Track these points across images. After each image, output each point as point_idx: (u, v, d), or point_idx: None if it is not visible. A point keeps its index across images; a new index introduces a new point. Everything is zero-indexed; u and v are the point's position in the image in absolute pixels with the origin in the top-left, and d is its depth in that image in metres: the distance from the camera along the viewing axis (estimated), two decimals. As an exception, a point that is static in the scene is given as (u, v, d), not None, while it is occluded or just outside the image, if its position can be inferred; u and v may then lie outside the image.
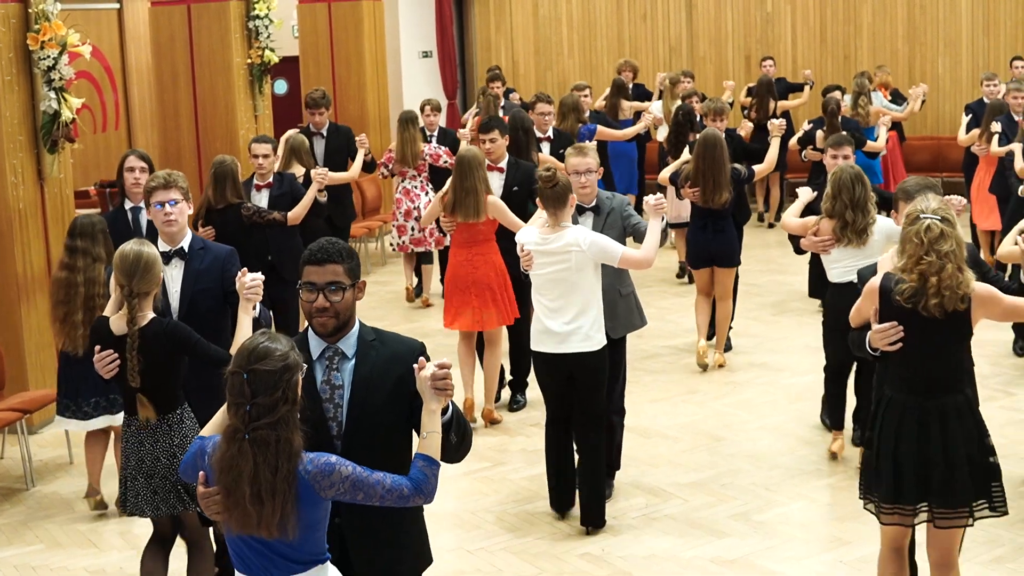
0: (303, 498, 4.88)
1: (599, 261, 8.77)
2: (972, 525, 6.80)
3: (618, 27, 24.43)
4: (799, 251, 10.25)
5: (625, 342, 9.68)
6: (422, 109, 15.99)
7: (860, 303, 6.90)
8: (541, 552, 8.75)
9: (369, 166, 14.88)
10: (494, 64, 23.13)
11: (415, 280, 16.27)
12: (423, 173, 15.53)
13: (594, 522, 8.99)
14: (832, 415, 10.31)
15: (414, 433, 5.31)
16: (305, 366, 5.03)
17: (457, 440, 5.30)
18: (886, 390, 6.80)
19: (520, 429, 11.18)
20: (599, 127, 15.87)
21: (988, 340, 12.40)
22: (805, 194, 10.18)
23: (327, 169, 12.84)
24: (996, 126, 14.83)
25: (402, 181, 15.68)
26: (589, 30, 24.60)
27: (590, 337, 8.80)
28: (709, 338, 13.01)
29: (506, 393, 11.98)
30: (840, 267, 9.61)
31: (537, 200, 9.01)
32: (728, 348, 13.32)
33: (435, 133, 15.97)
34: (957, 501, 6.63)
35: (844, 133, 11.84)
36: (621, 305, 9.43)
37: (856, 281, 7.34)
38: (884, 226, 9.45)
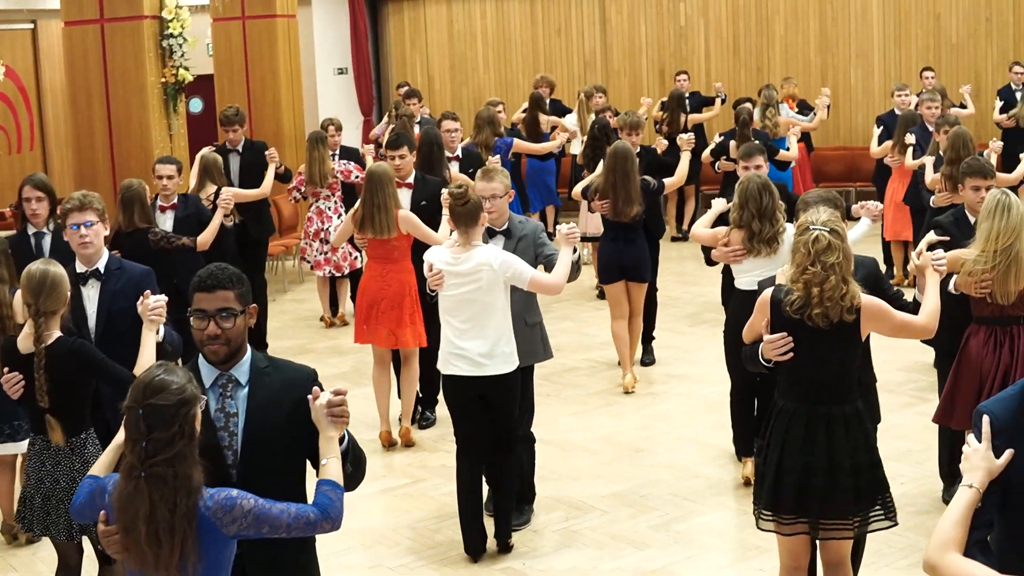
0: (205, 536, 4.74)
1: (509, 282, 8.63)
2: (851, 538, 6.85)
3: (533, 42, 24.50)
4: (710, 263, 10.16)
5: (533, 370, 9.51)
6: (325, 128, 15.92)
7: (752, 317, 6.94)
8: (461, 569, 8.74)
9: (283, 177, 14.81)
10: (407, 80, 23.15)
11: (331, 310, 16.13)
12: (336, 192, 15.49)
13: (502, 547, 8.92)
14: (740, 441, 10.15)
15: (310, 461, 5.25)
16: (204, 399, 4.91)
17: (352, 470, 5.23)
18: (777, 399, 6.84)
19: (439, 445, 11.15)
20: (515, 140, 15.90)
21: (905, 346, 12.52)
22: (718, 205, 10.11)
23: (231, 193, 12.82)
24: (911, 138, 14.95)
25: (315, 201, 15.63)
26: (504, 45, 24.65)
27: (502, 359, 8.68)
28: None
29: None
30: (750, 277, 9.43)
31: (447, 218, 8.95)
32: (649, 363, 13.39)
33: (336, 152, 15.88)
34: (837, 512, 6.66)
35: (756, 143, 11.84)
36: (526, 335, 9.17)
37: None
38: (792, 236, 9.37)
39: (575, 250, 8.85)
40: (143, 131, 16.72)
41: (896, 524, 6.86)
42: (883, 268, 15.33)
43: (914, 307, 7.27)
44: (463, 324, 8.69)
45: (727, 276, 10.26)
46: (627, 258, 12.49)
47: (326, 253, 15.38)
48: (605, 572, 8.57)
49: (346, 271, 15.53)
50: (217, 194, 12.62)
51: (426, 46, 25.08)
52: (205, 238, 11.77)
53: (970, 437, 4.46)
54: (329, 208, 15.51)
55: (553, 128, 18.84)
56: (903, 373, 12.50)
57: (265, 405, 5.19)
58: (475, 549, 8.85)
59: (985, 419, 4.43)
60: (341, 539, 9.09)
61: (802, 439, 6.65)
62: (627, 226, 12.37)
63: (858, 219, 9.51)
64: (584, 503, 9.74)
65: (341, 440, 5.12)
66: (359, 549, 9.07)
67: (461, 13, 24.82)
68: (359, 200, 11.08)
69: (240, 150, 14.76)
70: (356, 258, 15.29)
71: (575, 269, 8.88)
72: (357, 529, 9.30)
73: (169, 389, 4.73)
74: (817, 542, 6.96)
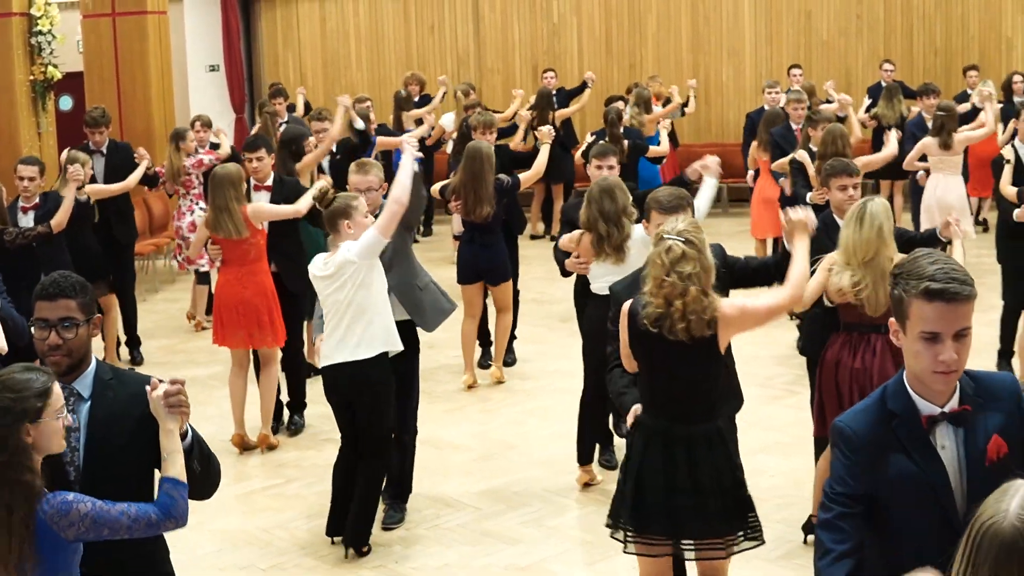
0: (43, 541, 4.63)
1: (371, 258, 8.52)
2: (727, 558, 6.73)
3: (406, 39, 24.45)
4: (565, 273, 10.07)
5: (418, 358, 9.43)
6: (192, 125, 15.75)
7: (621, 334, 6.72)
8: (334, 568, 8.70)
9: (151, 180, 14.65)
10: (279, 79, 23.05)
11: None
12: (192, 190, 15.27)
13: (357, 545, 8.82)
14: (582, 446, 10.02)
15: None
16: (71, 416, 4.81)
17: (201, 469, 5.07)
18: (641, 415, 6.64)
19: (312, 444, 11.09)
20: (379, 138, 15.85)
21: (775, 339, 12.66)
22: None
23: (93, 189, 12.78)
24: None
25: (179, 199, 15.48)
26: (377, 42, 24.58)
27: (375, 344, 8.61)
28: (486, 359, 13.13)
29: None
30: (603, 282, 9.17)
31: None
32: (511, 363, 13.41)
33: (206, 147, 15.71)
34: (710, 532, 6.51)
35: (609, 143, 11.88)
36: (425, 298, 9.20)
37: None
38: (639, 236, 9.12)
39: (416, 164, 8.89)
40: (11, 130, 16.50)
41: (763, 543, 6.74)
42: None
43: (776, 264, 7.32)
44: (342, 322, 8.60)
45: (580, 279, 10.22)
46: (483, 260, 12.43)
47: (185, 251, 15.17)
48: (477, 569, 8.58)
49: (201, 269, 15.32)
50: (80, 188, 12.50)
51: (299, 43, 24.95)
52: (59, 219, 11.72)
53: (834, 451, 4.39)
54: (184, 205, 15.37)
55: (417, 123, 18.80)
56: (773, 367, 12.61)
57: (108, 419, 5.05)
58: (335, 526, 8.90)
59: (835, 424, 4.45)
60: (212, 540, 9.06)
61: (662, 459, 6.48)
62: (482, 227, 12.28)
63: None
64: (456, 500, 9.74)
65: (184, 435, 4.99)
66: (230, 550, 8.99)
67: (334, 10, 24.71)
68: (208, 203, 11.01)
69: (104, 152, 14.56)
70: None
71: (417, 183, 8.86)
72: (228, 530, 9.24)
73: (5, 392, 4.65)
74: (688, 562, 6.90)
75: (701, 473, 6.44)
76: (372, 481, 8.86)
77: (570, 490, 9.86)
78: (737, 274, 7.59)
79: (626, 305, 6.60)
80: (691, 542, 6.54)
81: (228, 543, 9.09)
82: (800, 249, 7.08)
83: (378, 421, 8.77)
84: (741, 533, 6.57)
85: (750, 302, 6.60)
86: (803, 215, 7.20)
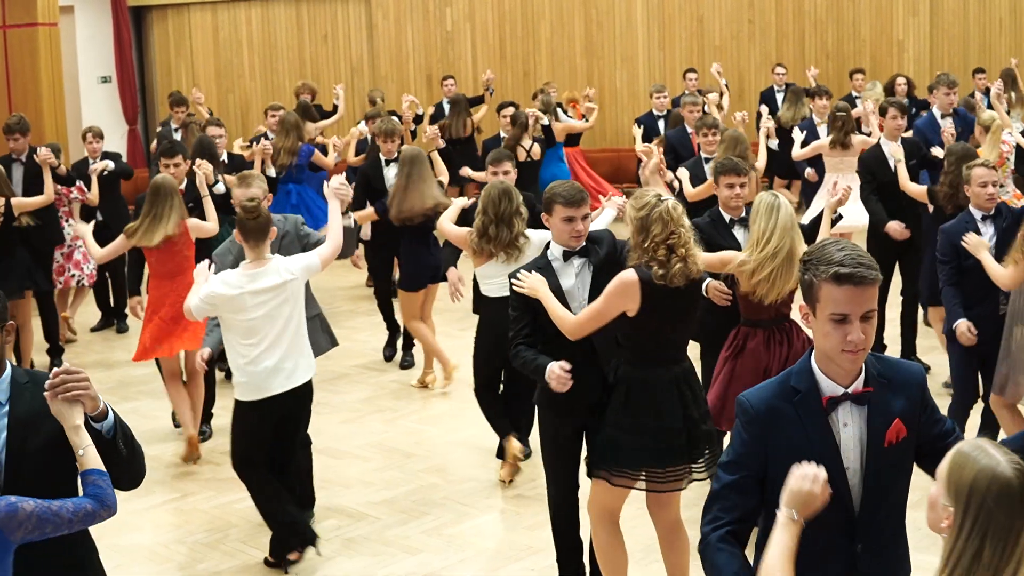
0: None
1: (307, 277, 8.60)
2: (685, 488, 7.34)
3: (299, 48, 24.39)
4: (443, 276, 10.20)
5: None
6: (84, 137, 15.57)
7: (607, 304, 7.13)
8: (234, 580, 8.66)
9: (64, 179, 14.47)
10: (172, 89, 22.90)
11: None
12: (62, 207, 14.92)
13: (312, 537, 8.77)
14: (497, 423, 10.19)
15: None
16: None
17: (127, 451, 5.03)
18: (623, 367, 7.20)
19: (209, 457, 11.00)
20: (317, 152, 15.82)
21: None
22: (460, 201, 10.25)
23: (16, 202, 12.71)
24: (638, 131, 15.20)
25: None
26: (270, 52, 24.49)
27: (305, 370, 8.57)
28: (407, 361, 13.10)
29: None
30: (495, 282, 9.58)
31: (235, 233, 8.71)
32: (408, 365, 13.47)
33: (98, 159, 15.51)
34: (699, 453, 7.21)
35: (504, 149, 11.97)
36: (310, 329, 9.04)
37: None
38: (536, 238, 9.52)
39: (350, 215, 8.85)
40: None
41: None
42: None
43: None
44: (270, 341, 8.40)
45: (476, 284, 10.29)
46: (433, 260, 12.31)
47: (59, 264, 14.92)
48: (378, 579, 8.57)
49: (73, 285, 15.11)
50: (8, 206, 12.39)
51: (191, 53, 24.81)
52: None
53: (796, 469, 4.34)
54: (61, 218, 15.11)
55: (321, 133, 18.75)
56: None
57: (27, 421, 4.99)
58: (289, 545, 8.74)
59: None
60: (112, 556, 8.91)
61: (657, 402, 7.08)
62: (421, 228, 12.28)
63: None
64: (356, 511, 9.70)
65: (103, 417, 4.93)
66: (129, 566, 8.90)
67: (226, 20, 24.60)
68: (142, 213, 10.83)
69: (24, 160, 14.37)
70: (93, 271, 15.00)
71: (352, 240, 8.86)
72: (127, 546, 9.14)
73: None
74: (654, 506, 7.45)
75: (689, 406, 7.16)
76: (289, 486, 8.79)
77: (468, 497, 9.86)
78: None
79: (631, 274, 7.03)
80: (669, 470, 7.17)
81: (127, 559, 8.99)
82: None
83: (305, 425, 8.91)
84: (700, 463, 7.27)
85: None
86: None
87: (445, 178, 13.05)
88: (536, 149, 15.15)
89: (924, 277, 11.43)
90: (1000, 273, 8.89)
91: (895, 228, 12.04)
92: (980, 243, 9.01)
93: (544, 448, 7.78)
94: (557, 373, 7.08)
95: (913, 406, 4.62)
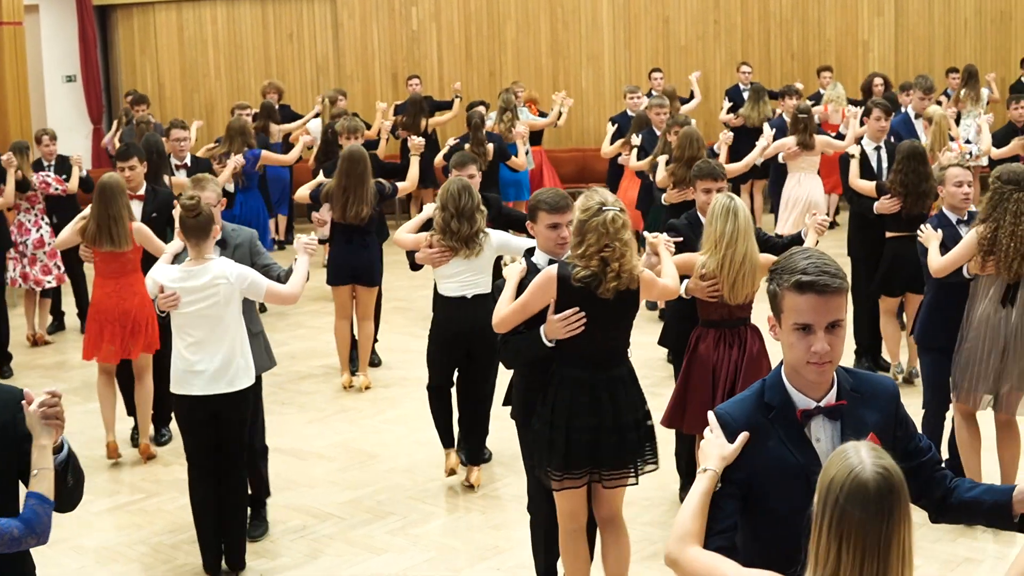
0: None
1: (245, 294, 8.43)
2: (637, 483, 7.38)
3: (265, 47, 24.31)
4: (415, 267, 10.12)
5: (261, 381, 9.28)
6: (39, 139, 15.46)
7: (529, 297, 7.14)
8: (199, 580, 8.62)
9: (21, 184, 14.40)
10: (136, 88, 22.84)
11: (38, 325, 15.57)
12: (37, 204, 14.94)
13: (236, 565, 8.67)
14: (443, 433, 10.18)
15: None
16: None
17: (73, 484, 5.02)
18: (559, 369, 7.19)
19: (172, 459, 10.94)
20: (264, 152, 15.73)
21: (640, 342, 12.68)
22: (427, 209, 10.14)
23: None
24: (636, 140, 15.23)
25: (18, 214, 15.07)
26: (236, 51, 24.41)
27: (239, 374, 8.44)
28: (353, 365, 13.06)
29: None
30: (453, 282, 9.64)
31: (176, 231, 8.67)
32: (376, 364, 13.41)
33: (52, 162, 15.43)
34: (625, 462, 7.19)
35: (469, 152, 11.98)
36: (252, 344, 8.91)
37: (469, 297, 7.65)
38: (496, 239, 9.61)
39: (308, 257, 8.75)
40: None
41: (658, 467, 7.45)
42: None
43: None
44: (198, 341, 8.38)
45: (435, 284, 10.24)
46: (358, 262, 12.45)
47: (25, 267, 14.84)
48: (343, 579, 8.54)
49: (47, 286, 15.04)
50: None
51: (156, 52, 24.70)
52: None
53: (707, 432, 4.53)
54: (29, 220, 14.94)
55: (286, 136, 18.71)
56: (637, 368, 12.67)
57: None
58: (214, 567, 8.62)
59: (711, 415, 4.53)
60: (76, 557, 8.94)
61: (589, 404, 7.09)
62: (359, 229, 12.32)
63: None
64: (321, 511, 9.68)
65: (59, 449, 4.91)
66: (94, 567, 8.87)
67: (192, 19, 24.50)
68: (88, 211, 10.74)
69: None
70: (61, 272, 14.93)
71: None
72: (92, 547, 9.12)
73: None
74: (594, 502, 7.42)
75: (623, 411, 7.16)
76: (238, 495, 8.71)
77: (433, 497, 9.86)
78: None
79: (550, 270, 7.12)
80: (609, 472, 7.20)
81: (91, 560, 8.96)
82: (665, 257, 7.98)
83: (242, 434, 8.65)
84: (641, 459, 7.28)
85: (655, 276, 7.51)
86: (661, 238, 8.14)
87: (413, 185, 13.05)
88: (490, 148, 15.10)
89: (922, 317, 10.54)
90: (934, 261, 8.81)
91: (885, 204, 11.50)
92: (932, 234, 8.94)
93: (526, 468, 7.84)
94: (557, 323, 7.06)
95: (887, 421, 4.55)
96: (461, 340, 9.73)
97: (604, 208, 6.96)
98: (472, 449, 10.12)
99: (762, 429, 4.44)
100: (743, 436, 4.40)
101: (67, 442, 5.02)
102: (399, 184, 12.76)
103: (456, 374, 10.12)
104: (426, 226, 10.03)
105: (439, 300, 9.94)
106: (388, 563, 8.73)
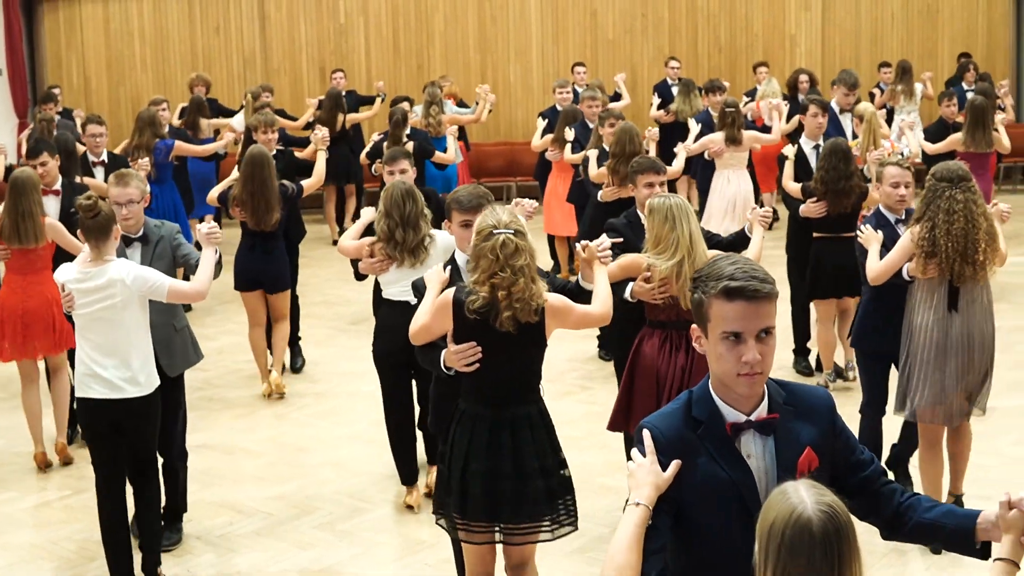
0: None
1: (147, 296, 8.11)
2: (552, 539, 6.77)
3: (191, 40, 24.15)
4: (359, 276, 9.78)
5: (183, 380, 9.15)
6: None
7: (430, 318, 6.73)
8: (124, 577, 8.56)
9: None
10: (62, 82, 22.67)
11: None
12: None
13: (151, 573, 8.49)
14: (403, 468, 9.65)
15: None
16: None
17: (218, 270, 5.14)
18: (460, 403, 6.76)
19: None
20: (177, 142, 15.60)
21: (571, 336, 12.74)
22: (366, 214, 9.73)
23: None
24: (570, 133, 15.19)
25: None
26: (162, 44, 24.23)
27: (140, 381, 8.10)
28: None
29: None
30: (398, 288, 9.14)
31: (78, 232, 8.50)
32: (299, 367, 13.31)
33: None
34: (526, 514, 6.63)
35: (400, 147, 11.59)
36: (177, 341, 8.84)
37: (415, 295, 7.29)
38: (442, 241, 9.07)
39: (216, 250, 8.53)
40: None
41: (576, 529, 6.85)
42: (549, 264, 15.70)
43: (577, 290, 7.18)
44: (98, 344, 8.10)
45: (377, 285, 9.98)
46: (263, 268, 12.13)
47: None
48: (270, 575, 8.51)
49: None
50: None
51: (82, 46, 24.50)
52: None
53: (634, 452, 4.32)
54: None
55: (217, 131, 18.62)
56: (566, 362, 12.75)
57: None
58: (122, 571, 8.32)
59: (646, 433, 4.31)
60: (3, 555, 8.86)
61: (487, 443, 6.59)
62: (266, 235, 12.01)
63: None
64: (248, 506, 9.65)
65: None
66: (20, 564, 8.79)
67: (118, 12, 24.31)
68: (0, 208, 10.63)
69: None
70: None
71: (216, 269, 8.57)
72: (17, 544, 9.05)
73: None
74: (503, 549, 6.93)
75: (525, 456, 6.60)
76: (149, 506, 8.48)
77: (361, 492, 9.85)
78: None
79: (448, 294, 6.66)
80: (510, 526, 6.64)
81: (17, 557, 8.89)
82: (600, 275, 7.11)
83: (147, 443, 8.34)
84: (550, 518, 6.68)
85: (570, 301, 6.79)
86: (594, 249, 7.21)
87: (319, 181, 12.83)
88: (410, 147, 15.00)
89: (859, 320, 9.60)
90: (871, 267, 8.52)
91: (811, 208, 11.42)
92: (872, 236, 8.71)
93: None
94: (453, 355, 6.59)
95: (824, 434, 4.36)
96: (408, 348, 9.00)
97: (495, 232, 6.47)
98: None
99: (691, 445, 4.26)
100: (675, 464, 4.20)
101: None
102: (304, 182, 12.39)
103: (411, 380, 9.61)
104: (368, 230, 9.62)
105: (381, 304, 9.57)
106: (315, 558, 8.71)
